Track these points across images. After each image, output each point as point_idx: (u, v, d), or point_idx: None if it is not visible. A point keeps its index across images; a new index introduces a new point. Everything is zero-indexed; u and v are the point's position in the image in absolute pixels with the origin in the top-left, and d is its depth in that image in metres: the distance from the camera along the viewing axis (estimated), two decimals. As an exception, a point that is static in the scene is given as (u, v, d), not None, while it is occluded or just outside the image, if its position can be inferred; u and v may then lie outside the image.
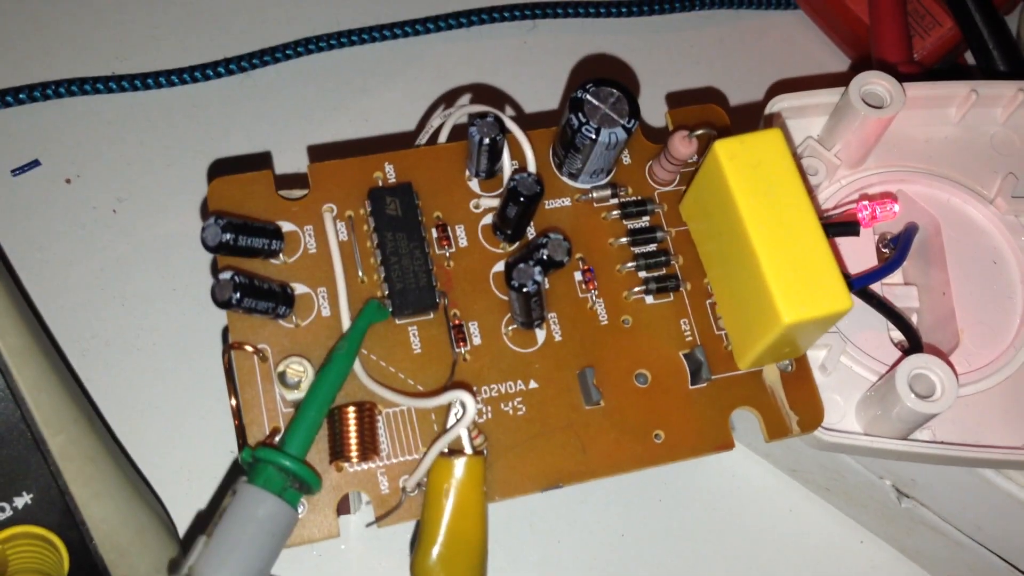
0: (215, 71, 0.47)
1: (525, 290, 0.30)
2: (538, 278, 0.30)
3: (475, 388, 0.31)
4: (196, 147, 0.45)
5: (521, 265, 0.30)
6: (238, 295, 0.28)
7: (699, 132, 0.32)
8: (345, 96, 0.47)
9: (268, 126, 0.46)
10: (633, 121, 0.32)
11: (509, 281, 0.30)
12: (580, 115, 0.31)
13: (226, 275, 0.29)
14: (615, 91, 0.32)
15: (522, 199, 0.31)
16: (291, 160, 0.45)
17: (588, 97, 0.32)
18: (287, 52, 0.47)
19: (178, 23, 0.48)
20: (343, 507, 0.31)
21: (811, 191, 0.34)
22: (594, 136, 0.31)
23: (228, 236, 0.29)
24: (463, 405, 0.29)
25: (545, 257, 0.30)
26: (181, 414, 0.40)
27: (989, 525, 0.37)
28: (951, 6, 0.47)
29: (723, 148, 0.30)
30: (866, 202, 0.35)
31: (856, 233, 0.35)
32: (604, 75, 0.49)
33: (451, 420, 0.30)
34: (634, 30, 0.51)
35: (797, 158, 0.35)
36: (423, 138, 0.35)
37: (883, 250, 0.38)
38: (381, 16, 0.49)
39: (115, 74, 0.46)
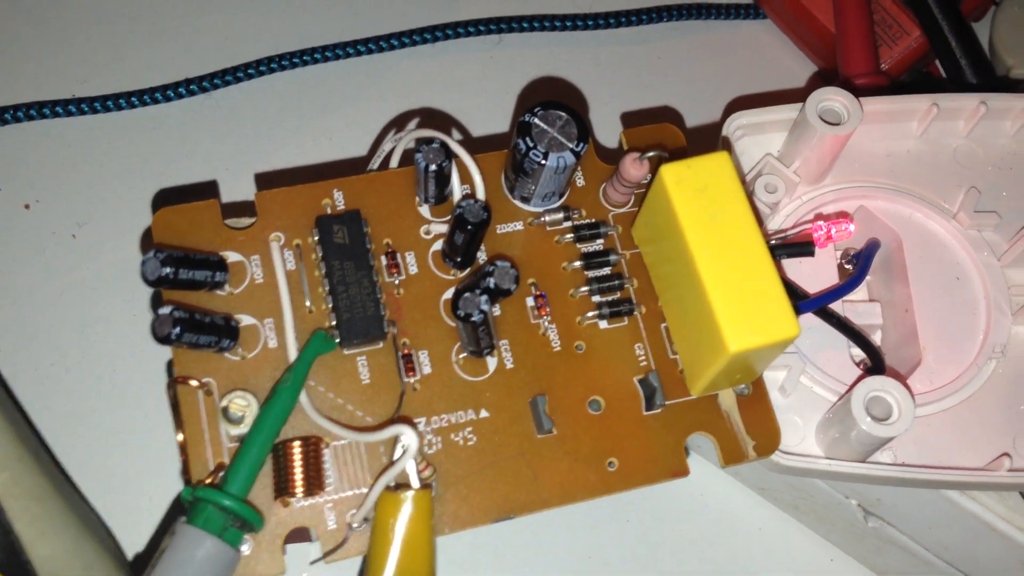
0: (176, 92, 0.46)
1: (471, 319, 0.29)
2: (484, 307, 0.29)
3: (425, 418, 0.31)
4: (158, 170, 0.45)
5: (467, 294, 0.29)
6: (178, 330, 0.28)
7: (650, 154, 0.32)
8: (309, 115, 0.47)
9: (230, 147, 0.45)
10: (582, 145, 0.31)
11: (455, 310, 0.29)
12: (528, 139, 0.31)
13: (165, 310, 0.28)
14: (563, 114, 0.31)
15: (469, 226, 0.30)
16: (250, 183, 0.44)
17: (536, 121, 0.31)
18: (249, 71, 0.47)
19: (141, 44, 0.48)
20: (302, 535, 0.30)
21: (758, 214, 0.34)
22: (542, 161, 0.31)
23: (168, 270, 0.29)
24: (405, 441, 0.29)
25: (492, 285, 0.30)
26: (142, 443, 0.39)
27: (955, 544, 0.37)
28: (918, 15, 0.46)
29: (669, 173, 0.29)
30: (821, 222, 0.34)
31: (811, 254, 0.34)
32: (571, 91, 0.48)
33: (398, 452, 0.30)
34: (602, 42, 0.51)
35: (745, 182, 0.35)
36: (375, 163, 0.34)
37: (846, 267, 0.38)
38: (347, 33, 0.49)
39: (75, 97, 0.45)
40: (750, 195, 0.36)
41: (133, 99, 0.46)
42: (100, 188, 0.44)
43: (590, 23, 0.50)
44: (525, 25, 0.50)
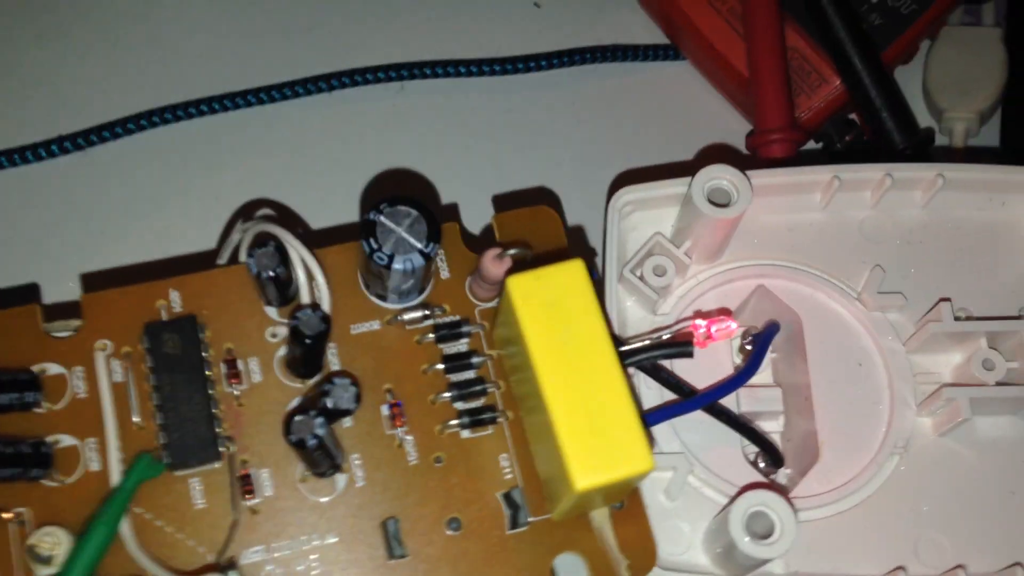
0: (48, 150, 0.43)
1: (307, 445, 0.27)
2: (319, 431, 0.27)
3: (264, 547, 0.28)
4: (16, 256, 0.41)
5: (299, 417, 0.27)
6: (-28, 468, 0.25)
7: (511, 252, 0.29)
8: (192, 173, 0.43)
9: (56, 238, 0.41)
10: (432, 246, 0.29)
11: (287, 435, 0.27)
12: (372, 240, 0.28)
13: (-44, 446, 0.26)
14: (412, 211, 0.29)
15: (307, 340, 0.28)
16: (77, 282, 0.40)
17: (381, 219, 0.29)
18: (128, 126, 0.44)
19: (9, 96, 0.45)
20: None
21: (613, 330, 0.31)
22: (387, 263, 0.28)
23: (-39, 399, 0.26)
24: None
25: (329, 406, 0.27)
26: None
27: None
28: (837, 66, 0.44)
29: (516, 285, 0.27)
30: (700, 321, 0.32)
31: (689, 355, 0.32)
32: (473, 146, 0.45)
33: (228, 591, 0.27)
34: (511, 88, 0.48)
35: (600, 292, 0.32)
36: (224, 256, 0.32)
37: (746, 347, 0.35)
38: (236, 82, 0.46)
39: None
40: (639, 279, 0.34)
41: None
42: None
43: (496, 68, 0.47)
44: (428, 72, 0.47)
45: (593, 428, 0.25)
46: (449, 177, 0.45)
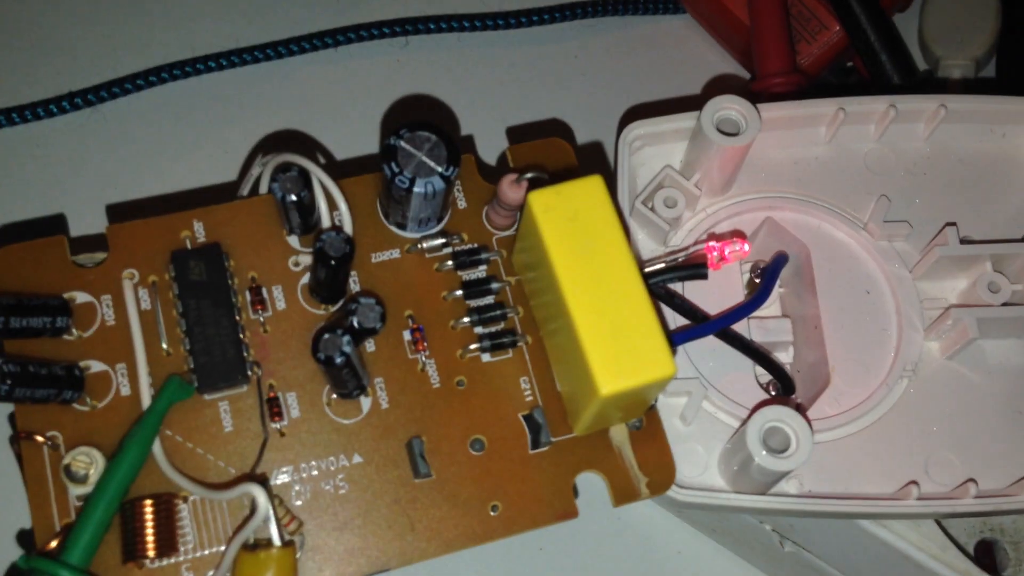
0: (59, 107, 0.44)
1: (334, 363, 0.27)
2: (347, 349, 0.27)
3: (292, 467, 0.29)
4: (44, 191, 0.42)
5: (327, 335, 0.27)
6: (7, 386, 0.26)
7: (528, 175, 0.30)
8: (180, 136, 0.44)
9: (83, 175, 0.42)
10: (452, 168, 0.29)
11: (315, 353, 0.27)
12: (393, 164, 0.29)
13: (-7, 364, 0.26)
14: (432, 135, 0.29)
15: (331, 262, 0.28)
16: (103, 215, 0.41)
17: (402, 144, 0.29)
18: (138, 82, 0.45)
19: (20, 55, 0.45)
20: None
21: (632, 241, 0.32)
22: (408, 186, 0.29)
23: (-5, 320, 0.26)
24: (254, 502, 0.27)
25: (355, 325, 0.28)
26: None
27: (870, 570, 0.35)
28: (836, 9, 0.44)
29: (537, 200, 0.27)
30: (713, 243, 0.33)
31: (704, 276, 0.32)
32: (471, 101, 0.46)
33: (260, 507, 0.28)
34: (514, 43, 0.48)
35: (620, 207, 0.32)
36: (244, 189, 0.32)
37: (756, 280, 0.36)
38: (243, 39, 0.46)
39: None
40: (650, 210, 0.34)
41: (13, 115, 0.43)
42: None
43: (500, 22, 0.48)
44: (432, 26, 0.47)
45: (616, 335, 0.26)
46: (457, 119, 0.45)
